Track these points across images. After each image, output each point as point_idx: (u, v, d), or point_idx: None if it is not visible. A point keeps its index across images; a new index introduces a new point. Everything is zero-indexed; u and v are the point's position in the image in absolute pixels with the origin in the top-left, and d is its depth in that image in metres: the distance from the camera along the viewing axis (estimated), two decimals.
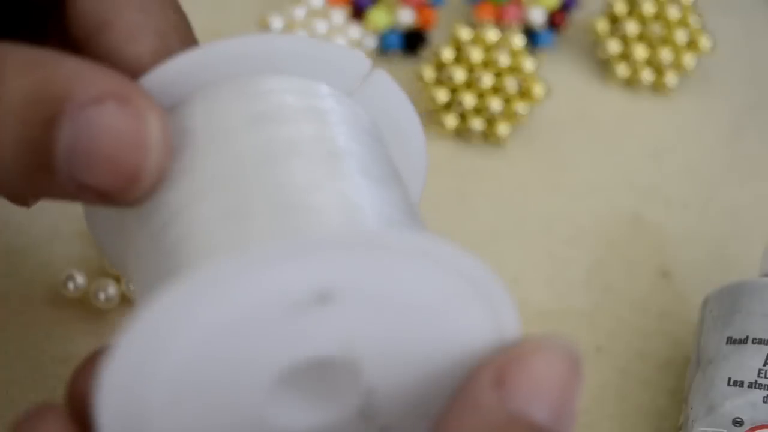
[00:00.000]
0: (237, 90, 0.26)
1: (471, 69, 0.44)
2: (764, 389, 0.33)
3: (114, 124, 0.23)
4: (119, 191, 0.24)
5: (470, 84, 0.44)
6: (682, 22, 0.46)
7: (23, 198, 0.29)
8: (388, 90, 0.29)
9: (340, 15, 0.45)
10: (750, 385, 0.33)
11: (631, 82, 0.47)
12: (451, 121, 0.44)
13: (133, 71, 0.26)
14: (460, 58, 0.44)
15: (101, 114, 0.23)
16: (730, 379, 0.33)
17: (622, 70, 0.47)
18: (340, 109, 0.27)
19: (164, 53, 0.26)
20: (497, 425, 0.22)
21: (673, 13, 0.46)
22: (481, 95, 0.44)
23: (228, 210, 0.24)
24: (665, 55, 0.46)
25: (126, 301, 0.39)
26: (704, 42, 0.46)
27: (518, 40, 0.44)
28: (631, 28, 0.46)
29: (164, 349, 0.22)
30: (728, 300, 0.35)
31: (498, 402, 0.23)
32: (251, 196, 0.24)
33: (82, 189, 0.24)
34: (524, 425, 0.22)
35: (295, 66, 0.27)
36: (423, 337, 0.24)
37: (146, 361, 0.22)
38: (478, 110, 0.44)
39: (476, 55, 0.44)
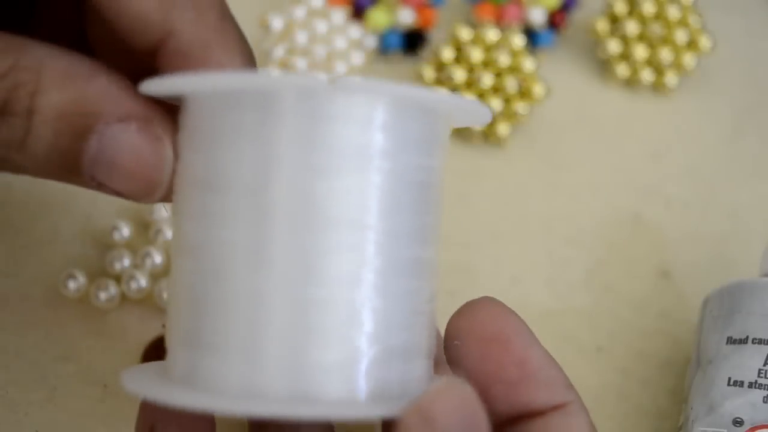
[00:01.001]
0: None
1: (471, 69, 0.44)
2: (764, 389, 0.33)
3: (135, 142, 0.27)
4: (134, 196, 0.27)
5: (470, 84, 0.44)
6: (682, 22, 0.46)
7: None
8: None
9: (340, 15, 0.45)
10: (750, 385, 0.33)
11: (631, 82, 0.47)
12: None
13: (138, 26, 0.27)
14: (460, 58, 0.44)
15: (125, 132, 0.27)
16: (730, 379, 0.33)
17: (622, 70, 0.47)
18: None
19: (168, 6, 0.27)
20: None
21: (673, 13, 0.46)
22: (481, 95, 0.44)
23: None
24: (665, 55, 0.46)
25: (126, 301, 0.39)
26: (704, 42, 0.46)
27: (518, 40, 0.44)
28: (631, 28, 0.46)
29: None
30: (728, 300, 0.35)
31: None
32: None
33: (102, 187, 0.27)
34: None
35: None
36: None
37: None
38: None
39: (476, 55, 0.44)
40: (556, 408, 0.28)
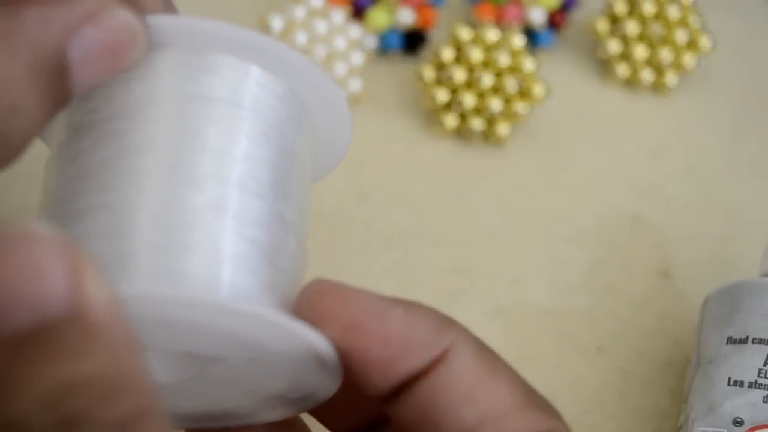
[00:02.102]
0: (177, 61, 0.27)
1: (471, 69, 0.44)
2: (764, 389, 0.33)
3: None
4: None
5: (470, 84, 0.44)
6: (682, 22, 0.46)
7: None
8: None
9: (340, 15, 0.45)
10: (750, 385, 0.33)
11: (631, 82, 0.47)
12: (451, 121, 0.44)
13: None
14: (460, 58, 0.44)
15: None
16: (730, 379, 0.33)
17: (622, 70, 0.47)
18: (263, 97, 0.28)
19: None
20: None
21: (673, 13, 0.46)
22: (481, 95, 0.44)
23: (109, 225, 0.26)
24: (665, 55, 0.46)
25: None
26: (704, 42, 0.46)
27: (518, 40, 0.44)
28: (631, 28, 0.46)
29: None
30: (728, 300, 0.35)
31: None
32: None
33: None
34: (14, 343, 0.21)
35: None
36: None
37: None
38: (478, 110, 0.44)
39: (476, 55, 0.44)
40: (435, 361, 0.27)
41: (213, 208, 0.26)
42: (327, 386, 0.28)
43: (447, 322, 0.27)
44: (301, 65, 0.28)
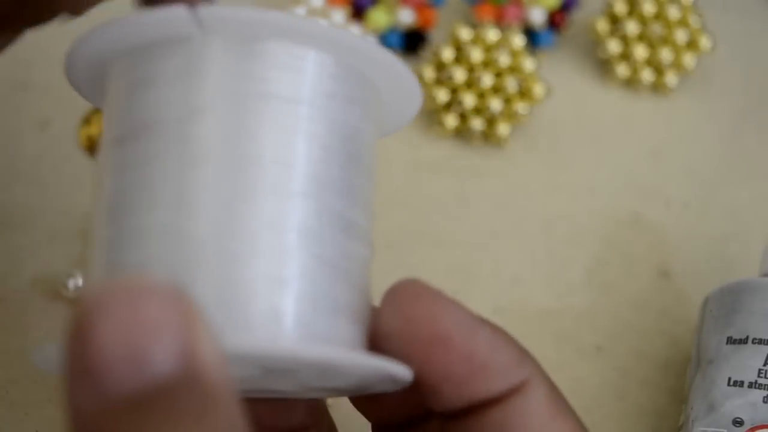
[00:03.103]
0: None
1: (471, 69, 0.44)
2: (764, 389, 0.33)
3: None
4: None
5: (470, 84, 0.44)
6: (682, 22, 0.46)
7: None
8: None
9: (340, 15, 0.45)
10: (750, 385, 0.33)
11: (631, 82, 0.47)
12: (451, 121, 0.44)
13: None
14: (460, 58, 0.44)
15: None
16: (730, 379, 0.33)
17: (622, 70, 0.47)
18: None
19: None
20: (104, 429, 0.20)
21: (673, 13, 0.46)
22: (481, 95, 0.44)
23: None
24: (665, 55, 0.46)
25: None
26: (704, 42, 0.46)
27: (518, 40, 0.44)
28: (631, 28, 0.46)
29: None
30: (728, 300, 0.35)
31: (90, 399, 0.20)
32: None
33: None
34: (123, 407, 0.19)
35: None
36: None
37: None
38: (478, 110, 0.44)
39: (476, 55, 0.44)
40: (512, 391, 0.26)
41: (276, 225, 0.24)
42: (388, 389, 0.27)
43: (526, 354, 0.27)
44: (362, 46, 0.26)
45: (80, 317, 0.20)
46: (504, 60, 0.44)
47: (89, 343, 0.20)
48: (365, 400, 0.29)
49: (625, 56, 0.47)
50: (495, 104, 0.44)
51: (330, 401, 0.34)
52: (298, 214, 0.25)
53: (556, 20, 0.47)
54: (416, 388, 0.26)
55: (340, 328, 0.25)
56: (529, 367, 0.27)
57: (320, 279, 0.25)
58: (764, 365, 0.33)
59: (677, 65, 0.46)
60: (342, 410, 0.32)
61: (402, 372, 0.25)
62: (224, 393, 0.20)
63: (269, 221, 0.24)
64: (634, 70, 0.47)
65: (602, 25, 0.47)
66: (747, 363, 0.33)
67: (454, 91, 0.44)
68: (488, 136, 0.45)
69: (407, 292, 0.26)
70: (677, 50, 0.46)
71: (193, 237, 0.24)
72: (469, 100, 0.44)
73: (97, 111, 0.45)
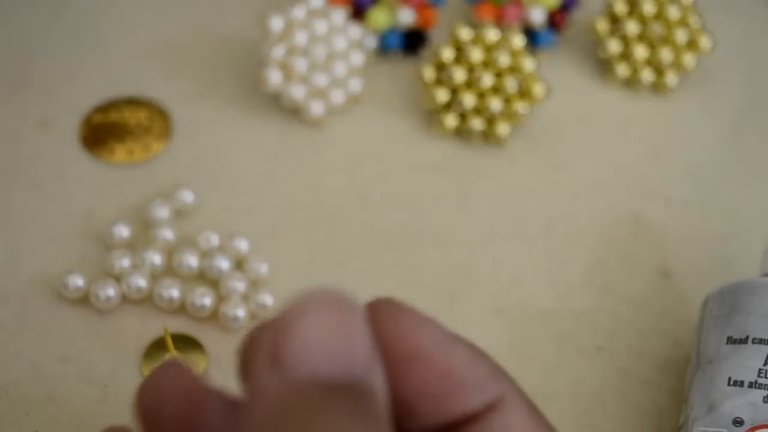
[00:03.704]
0: None
1: (471, 69, 0.44)
2: (764, 389, 0.33)
3: None
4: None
5: (470, 84, 0.44)
6: (682, 22, 0.46)
7: None
8: None
9: (340, 15, 0.45)
10: (750, 385, 0.33)
11: (631, 82, 0.47)
12: (451, 121, 0.44)
13: None
14: (460, 58, 0.44)
15: None
16: (730, 378, 0.33)
17: (622, 70, 0.47)
18: None
19: None
20: (292, 405, 0.22)
21: (673, 13, 0.46)
22: (481, 95, 0.44)
23: None
24: (665, 55, 0.46)
25: (126, 302, 0.39)
26: (704, 42, 0.46)
27: (518, 40, 0.44)
28: (631, 28, 0.46)
29: None
30: (728, 300, 0.35)
31: (280, 382, 0.22)
32: None
33: None
34: (316, 390, 0.22)
35: None
36: None
37: None
38: (478, 110, 0.44)
39: (476, 55, 0.44)
40: (490, 408, 0.26)
41: None
42: None
43: (502, 370, 0.27)
44: None
45: (282, 316, 0.23)
46: (504, 60, 0.44)
47: (291, 332, 0.22)
48: None
49: (625, 56, 0.47)
50: (495, 104, 0.44)
51: None
52: None
53: (556, 20, 0.47)
54: (393, 408, 0.26)
55: None
56: (505, 382, 0.26)
57: None
58: (764, 365, 0.33)
59: (677, 65, 0.46)
60: None
61: None
62: (387, 409, 0.23)
63: None
64: (634, 70, 0.47)
65: (602, 25, 0.47)
66: (747, 363, 0.33)
67: (454, 91, 0.44)
68: (488, 136, 0.45)
69: (382, 311, 0.25)
70: (677, 50, 0.46)
71: None
72: (469, 100, 0.44)
73: (97, 109, 0.45)
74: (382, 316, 0.25)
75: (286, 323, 0.22)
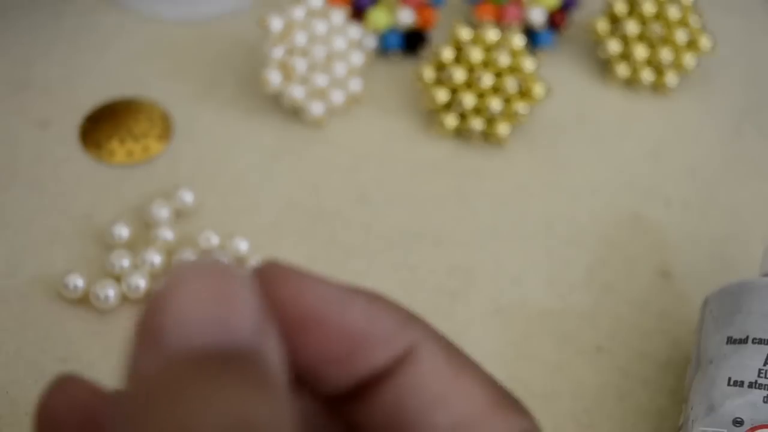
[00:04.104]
0: None
1: (471, 69, 0.44)
2: (764, 389, 0.33)
3: None
4: None
5: (470, 84, 0.44)
6: (682, 22, 0.46)
7: None
8: None
9: (340, 15, 0.45)
10: (750, 385, 0.33)
11: (631, 82, 0.47)
12: (451, 121, 0.44)
13: None
14: (460, 58, 0.44)
15: None
16: (730, 379, 0.33)
17: (622, 70, 0.47)
18: None
19: None
20: (162, 383, 0.20)
21: (673, 13, 0.46)
22: (481, 95, 0.44)
23: None
24: (665, 55, 0.46)
25: (126, 302, 0.39)
26: (704, 42, 0.46)
27: (518, 40, 0.44)
28: (631, 28, 0.46)
29: None
30: (728, 300, 0.35)
31: (154, 360, 0.20)
32: None
33: None
34: (188, 362, 0.20)
35: None
36: None
37: None
38: (478, 110, 0.44)
39: (476, 55, 0.44)
40: (401, 360, 0.24)
41: None
42: None
43: (411, 318, 0.25)
44: None
45: (157, 290, 0.21)
46: (504, 60, 0.44)
47: (165, 306, 0.20)
48: None
49: (625, 56, 0.47)
50: (495, 104, 0.44)
51: None
52: None
53: (556, 20, 0.47)
54: (297, 374, 0.24)
55: None
56: (415, 330, 0.24)
57: None
58: (764, 365, 0.33)
59: (677, 65, 0.46)
60: None
61: None
62: (282, 382, 0.21)
63: None
64: (634, 70, 0.47)
65: (602, 25, 0.47)
66: (747, 363, 0.33)
67: (454, 91, 0.44)
68: (488, 136, 0.45)
69: (273, 276, 0.24)
70: (677, 50, 0.46)
71: None
72: (469, 100, 0.44)
73: (97, 110, 0.45)
74: (273, 281, 0.24)
75: (160, 297, 0.21)
